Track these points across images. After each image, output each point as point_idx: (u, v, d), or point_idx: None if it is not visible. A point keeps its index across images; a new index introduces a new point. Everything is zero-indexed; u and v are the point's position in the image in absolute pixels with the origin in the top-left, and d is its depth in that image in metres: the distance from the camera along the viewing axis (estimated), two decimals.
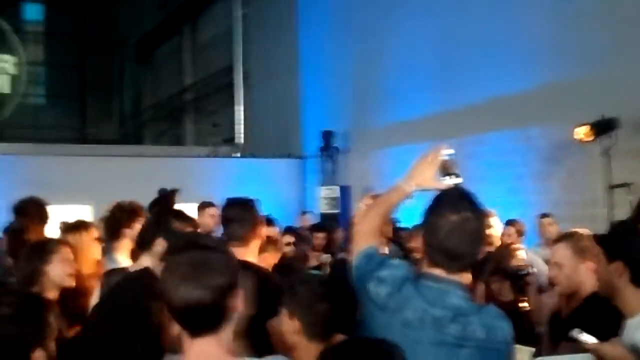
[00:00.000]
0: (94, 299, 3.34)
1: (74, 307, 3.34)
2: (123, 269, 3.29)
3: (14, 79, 23.16)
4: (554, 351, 2.82)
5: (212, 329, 1.77)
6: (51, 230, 4.81)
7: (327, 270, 5.94)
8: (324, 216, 11.67)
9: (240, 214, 3.15)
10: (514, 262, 3.96)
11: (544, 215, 6.80)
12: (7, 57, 23.08)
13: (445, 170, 2.23)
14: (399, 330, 2.02)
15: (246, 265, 2.70)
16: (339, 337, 2.24)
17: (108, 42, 25.70)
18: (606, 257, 2.37)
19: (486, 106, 9.26)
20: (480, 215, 2.10)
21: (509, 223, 6.39)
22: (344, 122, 12.80)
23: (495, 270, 4.01)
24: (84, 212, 9.21)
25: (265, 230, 3.44)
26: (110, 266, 3.79)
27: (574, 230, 3.10)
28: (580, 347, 2.29)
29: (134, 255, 3.39)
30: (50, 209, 4.80)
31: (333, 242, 7.30)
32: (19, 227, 4.54)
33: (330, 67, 13.09)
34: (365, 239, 2.23)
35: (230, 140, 15.79)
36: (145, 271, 2.74)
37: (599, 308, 2.52)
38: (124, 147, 17.77)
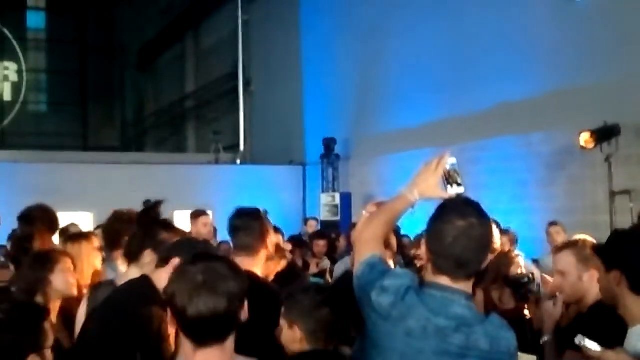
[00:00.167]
0: (82, 311, 3.31)
1: (73, 317, 3.33)
2: (111, 282, 3.28)
3: (16, 86, 23.21)
4: None
5: (220, 339, 1.78)
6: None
7: (328, 276, 5.92)
8: (324, 223, 11.66)
9: (248, 223, 3.10)
10: (514, 270, 3.94)
11: (553, 224, 6.73)
12: (9, 64, 23.15)
13: (449, 179, 2.21)
14: (402, 340, 2.00)
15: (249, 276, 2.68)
16: (344, 349, 2.23)
17: (110, 49, 25.77)
18: (604, 266, 2.36)
19: (489, 112, 9.26)
20: (486, 222, 2.09)
21: (502, 232, 6.37)
22: (345, 129, 12.81)
23: (495, 278, 3.99)
24: (86, 219, 9.22)
25: (274, 240, 3.41)
26: (110, 275, 3.78)
27: (577, 238, 3.09)
28: (586, 357, 2.27)
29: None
30: (58, 217, 4.71)
31: (334, 249, 7.28)
32: (23, 235, 4.52)
33: (332, 74, 13.12)
34: (368, 247, 2.21)
35: (231, 147, 15.80)
36: (144, 279, 2.73)
37: (604, 317, 2.50)
38: (126, 155, 17.81)
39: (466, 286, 2.07)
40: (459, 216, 2.03)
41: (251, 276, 2.95)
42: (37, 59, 24.35)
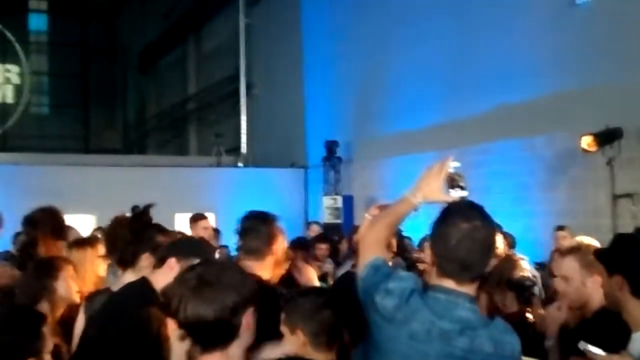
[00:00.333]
0: (80, 321, 3.30)
1: (72, 323, 3.33)
2: (107, 290, 3.28)
3: (18, 89, 23.25)
4: None
5: (221, 345, 1.76)
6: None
7: (331, 280, 5.91)
8: (326, 226, 11.64)
9: (256, 225, 3.02)
10: (517, 273, 3.93)
11: (560, 228, 6.69)
12: (11, 67, 23.19)
13: (452, 182, 2.22)
14: (406, 343, 2.00)
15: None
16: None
17: (112, 52, 25.82)
18: (606, 271, 2.35)
19: (491, 116, 9.25)
20: (490, 225, 2.09)
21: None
22: (347, 132, 12.81)
23: (499, 281, 3.98)
24: (88, 221, 9.22)
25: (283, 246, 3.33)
26: (113, 281, 3.77)
27: (581, 242, 3.07)
28: None
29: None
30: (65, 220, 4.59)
31: (337, 252, 7.27)
32: (27, 239, 4.48)
33: (334, 77, 13.12)
34: (371, 250, 2.21)
35: (233, 149, 15.81)
36: (143, 281, 2.74)
37: (609, 322, 2.50)
38: (128, 157, 17.82)
39: (470, 289, 2.07)
40: (463, 219, 2.03)
41: (257, 281, 2.94)
42: (39, 62, 24.40)
